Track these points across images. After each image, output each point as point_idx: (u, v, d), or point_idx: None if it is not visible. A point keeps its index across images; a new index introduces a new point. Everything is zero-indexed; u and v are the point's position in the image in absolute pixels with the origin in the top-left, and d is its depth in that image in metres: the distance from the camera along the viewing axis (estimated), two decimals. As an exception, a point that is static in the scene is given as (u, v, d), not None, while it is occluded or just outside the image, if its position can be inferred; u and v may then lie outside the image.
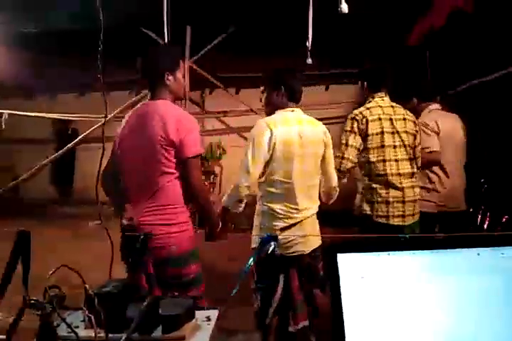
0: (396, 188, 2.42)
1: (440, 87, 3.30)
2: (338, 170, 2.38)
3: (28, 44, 5.83)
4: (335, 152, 2.36)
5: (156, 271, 1.78)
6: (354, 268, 0.81)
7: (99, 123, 6.13)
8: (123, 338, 0.69)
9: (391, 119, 2.47)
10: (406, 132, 2.50)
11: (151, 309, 0.75)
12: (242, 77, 7.22)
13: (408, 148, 2.50)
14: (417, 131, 2.59)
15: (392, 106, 2.53)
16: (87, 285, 0.79)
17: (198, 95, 8.26)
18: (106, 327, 0.72)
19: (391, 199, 2.41)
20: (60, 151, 6.61)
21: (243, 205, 2.18)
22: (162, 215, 1.88)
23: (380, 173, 2.43)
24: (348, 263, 0.81)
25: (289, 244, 2.13)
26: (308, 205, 2.18)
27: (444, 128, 2.88)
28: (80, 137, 6.69)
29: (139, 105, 2.00)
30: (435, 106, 3.02)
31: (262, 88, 2.34)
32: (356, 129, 2.43)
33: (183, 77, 2.04)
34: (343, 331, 0.78)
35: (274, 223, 2.14)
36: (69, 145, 6.52)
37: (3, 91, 7.39)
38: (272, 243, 1.49)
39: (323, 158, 2.24)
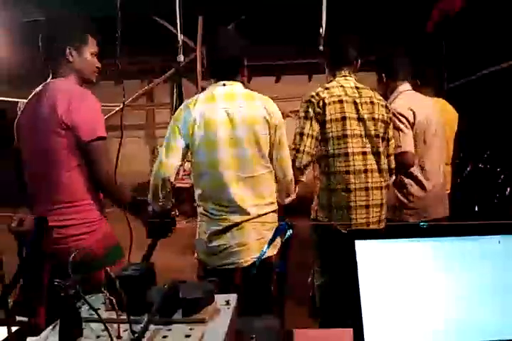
0: (360, 189, 2.00)
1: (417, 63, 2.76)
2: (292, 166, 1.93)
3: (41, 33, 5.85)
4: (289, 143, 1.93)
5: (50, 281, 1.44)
6: (372, 255, 0.81)
7: (113, 112, 6.17)
8: (145, 320, 0.71)
9: (355, 103, 2.02)
10: (374, 119, 2.04)
11: (172, 292, 0.77)
12: (253, 65, 7.19)
13: (375, 139, 2.04)
14: (390, 119, 2.15)
15: (357, 88, 2.08)
16: (107, 268, 0.80)
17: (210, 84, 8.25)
18: (127, 310, 0.73)
19: (353, 204, 1.99)
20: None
21: (160, 204, 1.76)
22: (64, 215, 1.60)
23: (341, 170, 2.00)
24: (366, 250, 0.81)
25: (222, 254, 1.71)
26: (249, 203, 1.73)
27: (421, 117, 2.33)
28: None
29: (40, 86, 1.72)
30: (406, 86, 2.43)
31: None
32: (312, 114, 1.99)
33: (95, 55, 1.74)
34: (361, 318, 0.78)
35: (207, 226, 1.75)
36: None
37: (18, 80, 7.43)
38: (288, 232, 1.45)
39: (272, 143, 1.77)
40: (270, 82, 7.87)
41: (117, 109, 6.13)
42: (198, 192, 1.79)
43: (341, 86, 2.06)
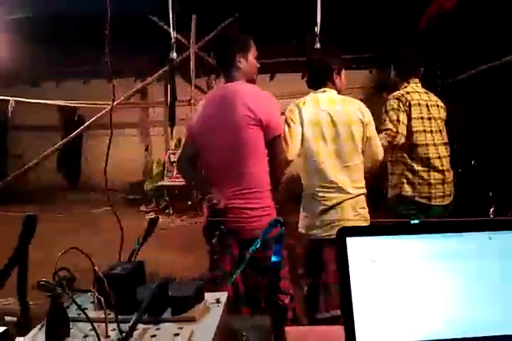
0: (438, 171, 2.57)
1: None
2: (389, 143, 2.46)
3: (34, 31, 5.81)
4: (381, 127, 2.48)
5: (241, 253, 1.84)
6: (364, 252, 0.80)
7: (105, 110, 6.13)
8: (133, 319, 0.70)
9: (427, 105, 2.60)
10: (440, 118, 2.65)
11: (161, 291, 0.76)
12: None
13: (442, 133, 2.64)
14: (445, 116, 2.72)
15: (426, 93, 2.66)
16: (96, 267, 0.79)
17: (204, 81, 8.23)
18: (116, 309, 0.72)
19: (433, 181, 2.56)
20: (67, 138, 6.61)
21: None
22: (248, 199, 1.89)
23: (424, 157, 2.57)
24: (358, 247, 0.80)
25: (326, 227, 2.13)
26: (348, 185, 2.15)
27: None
28: (87, 123, 6.70)
29: (215, 89, 2.00)
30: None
31: None
32: (403, 108, 2.53)
33: (256, 59, 2.07)
34: (352, 315, 0.77)
35: (313, 206, 2.16)
36: (76, 132, 6.52)
37: (9, 79, 7.38)
38: (278, 227, 1.46)
39: (367, 138, 2.21)
40: (265, 80, 7.87)
41: (110, 106, 6.12)
42: (304, 176, 2.21)
43: (417, 91, 2.61)
